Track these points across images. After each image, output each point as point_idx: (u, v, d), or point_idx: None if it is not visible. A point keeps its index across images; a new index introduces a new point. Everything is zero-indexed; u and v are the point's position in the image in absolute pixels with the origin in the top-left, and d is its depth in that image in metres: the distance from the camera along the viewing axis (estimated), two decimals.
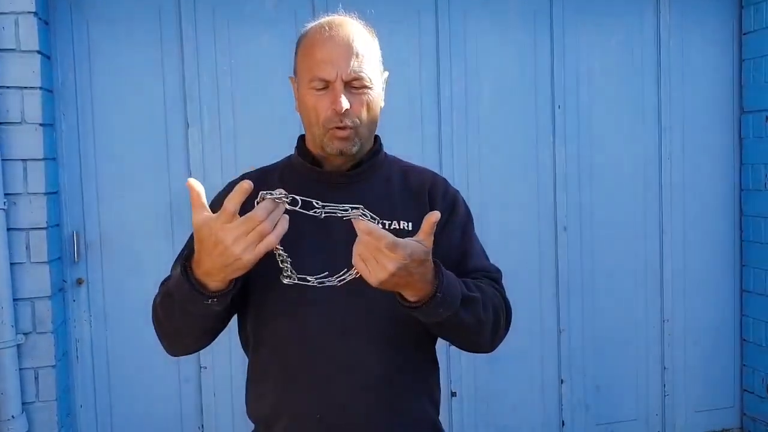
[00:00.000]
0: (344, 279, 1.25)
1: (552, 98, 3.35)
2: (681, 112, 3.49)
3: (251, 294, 1.37)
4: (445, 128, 3.24)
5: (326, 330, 1.32)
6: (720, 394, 3.64)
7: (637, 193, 3.48)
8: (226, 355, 2.93)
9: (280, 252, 1.24)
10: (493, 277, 1.40)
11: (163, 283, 1.36)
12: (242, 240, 1.10)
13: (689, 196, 3.52)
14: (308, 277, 1.26)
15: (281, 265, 1.25)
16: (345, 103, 1.29)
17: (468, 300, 1.25)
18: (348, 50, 1.30)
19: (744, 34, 3.51)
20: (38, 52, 2.66)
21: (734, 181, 3.58)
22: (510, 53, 3.31)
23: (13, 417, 2.64)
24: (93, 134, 2.94)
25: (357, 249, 1.13)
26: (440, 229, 1.36)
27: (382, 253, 1.11)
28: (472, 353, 1.44)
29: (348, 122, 1.30)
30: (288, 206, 1.15)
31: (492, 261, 1.47)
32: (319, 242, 1.32)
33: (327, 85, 1.30)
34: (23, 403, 2.69)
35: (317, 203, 1.23)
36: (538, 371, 3.41)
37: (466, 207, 1.47)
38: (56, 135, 2.89)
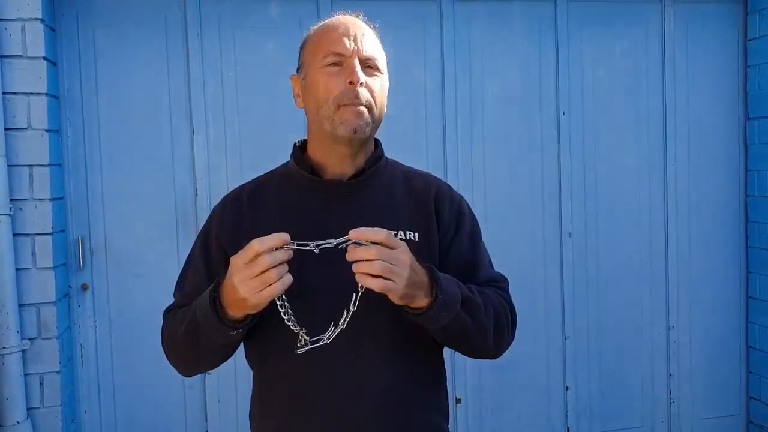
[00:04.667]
0: (353, 310, 1.21)
1: (557, 104, 3.34)
2: (686, 119, 3.49)
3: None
4: (449, 134, 3.24)
5: (333, 345, 1.27)
6: (726, 401, 3.63)
7: (642, 200, 3.47)
8: (231, 361, 2.92)
9: (294, 324, 1.21)
10: (501, 286, 1.38)
11: (170, 309, 1.37)
12: (247, 282, 1.11)
13: (695, 202, 3.51)
14: (323, 337, 1.22)
15: (295, 330, 1.21)
16: (362, 75, 1.27)
17: (468, 302, 1.24)
18: (362, 31, 1.31)
19: (749, 40, 3.50)
20: (44, 58, 2.68)
21: (740, 187, 3.57)
22: (514, 60, 3.31)
23: (18, 422, 2.64)
24: (99, 140, 2.96)
25: (375, 265, 1.11)
26: (449, 239, 1.35)
27: (398, 260, 1.12)
28: (478, 359, 1.42)
29: (363, 99, 1.27)
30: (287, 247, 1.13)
31: (497, 267, 1.45)
32: (326, 288, 1.28)
33: (342, 62, 1.28)
34: (28, 409, 2.70)
35: (311, 244, 1.16)
36: (543, 378, 3.40)
37: (472, 214, 1.43)
38: (62, 141, 2.90)
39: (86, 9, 2.93)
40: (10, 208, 2.64)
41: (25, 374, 2.69)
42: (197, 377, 3.03)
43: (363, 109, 1.27)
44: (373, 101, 1.29)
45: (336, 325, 1.21)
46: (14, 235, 2.66)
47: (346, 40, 1.28)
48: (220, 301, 1.17)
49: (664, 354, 3.53)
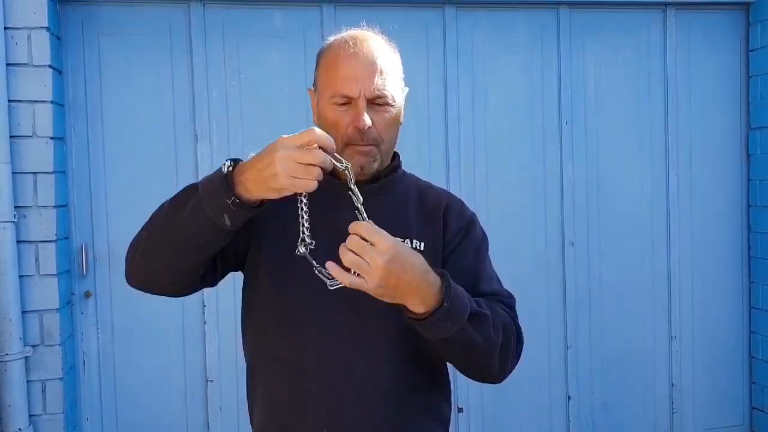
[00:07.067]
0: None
1: (559, 114, 3.35)
2: (688, 128, 3.49)
3: (253, 307, 1.35)
4: (452, 143, 3.25)
5: (336, 347, 1.29)
6: (729, 412, 3.61)
7: (644, 210, 3.47)
8: (233, 368, 2.93)
9: (307, 228, 1.18)
10: (506, 302, 1.35)
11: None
12: (292, 165, 1.10)
13: (697, 212, 3.51)
14: (323, 270, 1.17)
15: (302, 228, 1.18)
16: (368, 121, 1.27)
17: (477, 317, 1.21)
18: (372, 67, 1.29)
19: (751, 50, 3.51)
20: (50, 66, 2.70)
21: (742, 197, 3.57)
22: (517, 69, 3.32)
23: (20, 429, 2.64)
24: (103, 148, 2.97)
25: (346, 256, 1.09)
26: (452, 248, 1.35)
27: (370, 248, 1.09)
28: (481, 382, 1.37)
29: (370, 140, 1.28)
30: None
31: (499, 278, 1.42)
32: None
33: (349, 101, 1.28)
34: (30, 416, 2.70)
35: (357, 201, 1.17)
36: (545, 388, 3.39)
37: (482, 230, 1.43)
38: (66, 148, 2.92)
39: (91, 17, 2.95)
40: (14, 215, 2.65)
41: (28, 381, 2.69)
42: (199, 385, 3.03)
43: (370, 148, 1.30)
44: (381, 138, 1.30)
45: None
46: (18, 242, 2.67)
47: (353, 83, 1.27)
48: (234, 169, 1.16)
49: (666, 364, 3.52)
